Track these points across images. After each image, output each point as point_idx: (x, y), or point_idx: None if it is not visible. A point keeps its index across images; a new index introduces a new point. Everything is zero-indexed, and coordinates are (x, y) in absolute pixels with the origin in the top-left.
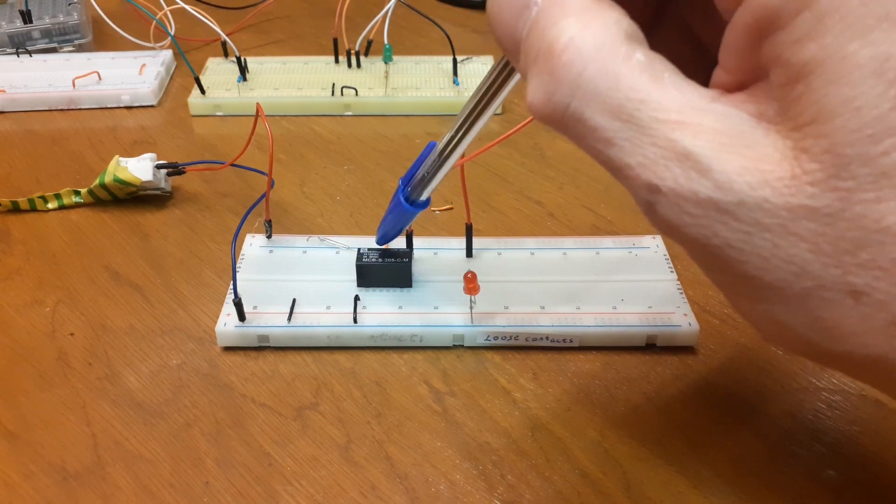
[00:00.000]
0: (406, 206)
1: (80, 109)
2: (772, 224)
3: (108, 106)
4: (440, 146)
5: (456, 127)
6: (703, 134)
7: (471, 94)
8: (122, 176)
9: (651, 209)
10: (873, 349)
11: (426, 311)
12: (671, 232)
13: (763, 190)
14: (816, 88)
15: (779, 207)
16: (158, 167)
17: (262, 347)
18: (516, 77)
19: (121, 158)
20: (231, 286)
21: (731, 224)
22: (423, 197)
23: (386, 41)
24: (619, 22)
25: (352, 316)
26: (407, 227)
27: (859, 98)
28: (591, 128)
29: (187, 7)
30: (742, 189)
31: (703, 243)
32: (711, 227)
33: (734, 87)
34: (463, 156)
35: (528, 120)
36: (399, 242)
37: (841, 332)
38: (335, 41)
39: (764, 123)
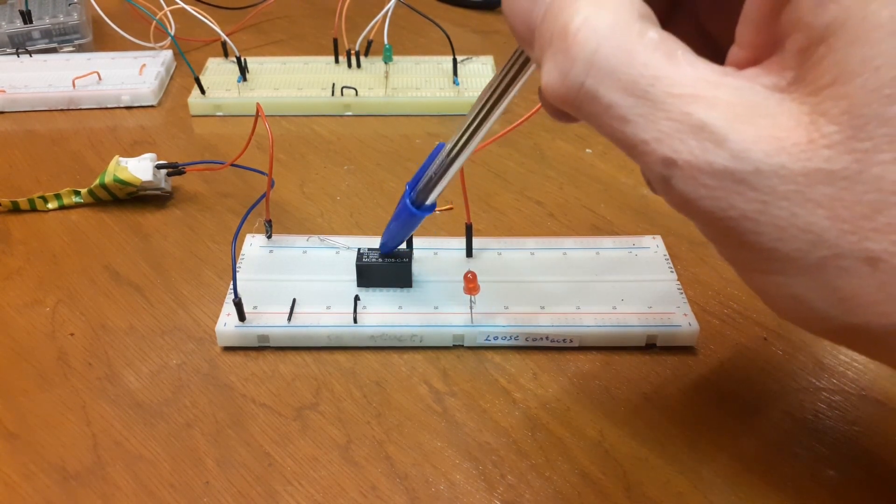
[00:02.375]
0: (412, 210)
1: (80, 109)
2: (788, 191)
3: (108, 106)
4: (449, 146)
5: (465, 126)
6: (718, 106)
7: (472, 93)
8: (122, 176)
9: (666, 184)
10: (890, 318)
11: (426, 311)
12: (687, 207)
13: (779, 157)
14: (837, 49)
15: (795, 173)
16: (158, 167)
17: (262, 347)
18: (527, 74)
19: (121, 158)
20: (231, 286)
21: (748, 194)
22: (430, 200)
23: (386, 41)
24: (632, 2)
25: (352, 316)
26: (411, 233)
27: (879, 57)
28: (606, 105)
29: (187, 7)
30: (758, 157)
31: (719, 216)
32: (727, 198)
33: (748, 64)
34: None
35: (526, 117)
36: None
37: (858, 302)
38: (335, 41)
39: (777, 94)
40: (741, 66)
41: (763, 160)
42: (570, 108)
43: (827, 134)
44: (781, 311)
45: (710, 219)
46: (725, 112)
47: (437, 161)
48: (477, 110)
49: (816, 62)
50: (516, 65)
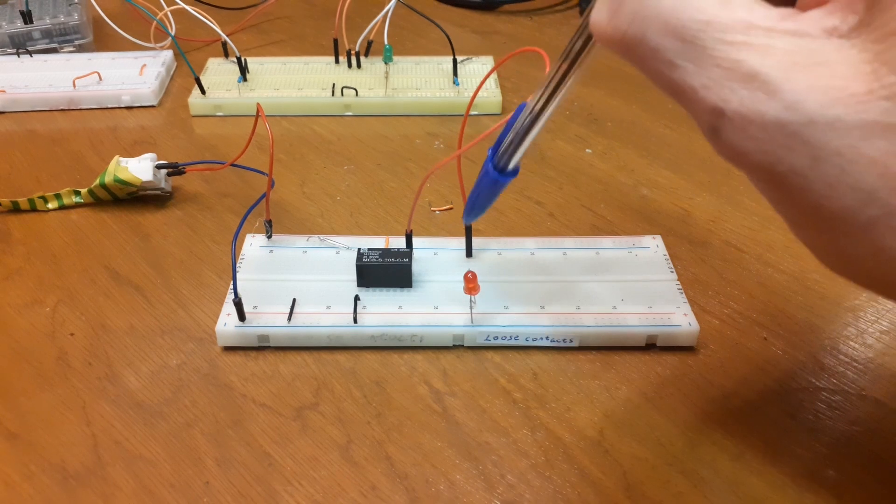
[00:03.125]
0: (495, 175)
1: (80, 109)
2: (842, 146)
3: (109, 106)
4: (531, 103)
5: (548, 80)
6: (772, 54)
7: (470, 93)
8: (122, 176)
9: (715, 135)
10: None
11: (426, 311)
12: (735, 159)
13: (835, 108)
14: None
15: (851, 126)
16: (158, 167)
17: (262, 347)
18: None
19: (121, 158)
20: (231, 286)
21: (799, 149)
22: (513, 164)
23: (386, 41)
24: None
25: (352, 316)
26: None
27: None
28: (653, 48)
29: (188, 7)
30: (813, 108)
31: (768, 170)
32: (777, 152)
33: (816, 6)
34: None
35: None
36: (399, 242)
37: None
38: (335, 41)
39: (835, 39)
40: (808, 8)
41: (818, 111)
42: (617, 49)
43: (888, 84)
44: (830, 266)
45: (758, 172)
46: (779, 61)
47: (520, 121)
48: (560, 62)
49: (886, 6)
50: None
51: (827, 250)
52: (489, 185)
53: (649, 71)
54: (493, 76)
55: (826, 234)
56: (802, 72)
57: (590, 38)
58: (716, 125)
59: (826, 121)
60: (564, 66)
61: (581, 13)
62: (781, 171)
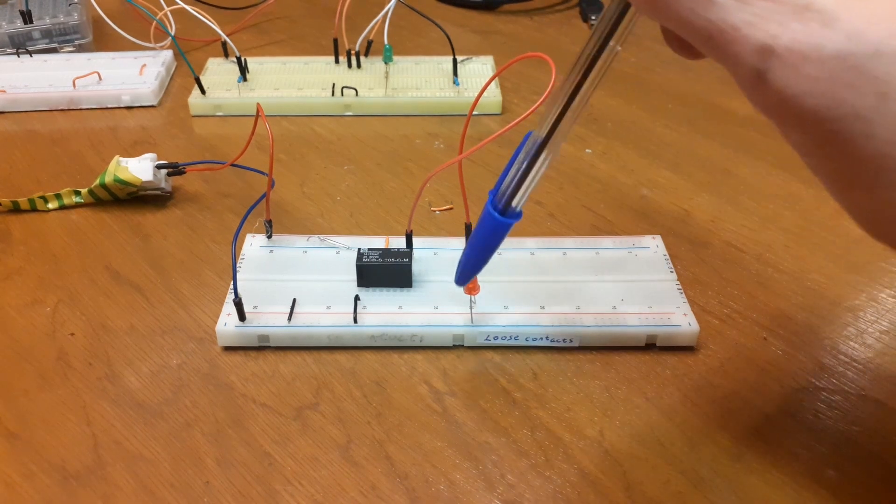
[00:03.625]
0: (497, 218)
1: (80, 109)
2: None
3: (109, 106)
4: (536, 132)
5: (559, 99)
6: None
7: (472, 93)
8: (122, 176)
9: (760, 81)
10: None
11: (426, 311)
12: (784, 108)
13: None
14: None
15: None
16: (159, 167)
17: (262, 347)
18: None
19: (121, 158)
20: (231, 286)
21: (862, 85)
22: (518, 202)
23: (386, 41)
24: None
25: (352, 316)
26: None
27: None
28: None
29: (187, 7)
30: (878, 37)
31: (825, 116)
32: (835, 92)
33: None
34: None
35: (524, 116)
36: (399, 242)
37: None
38: (335, 41)
39: None
40: None
41: (884, 41)
42: None
43: None
44: (877, 232)
45: (812, 120)
46: None
47: (524, 152)
48: (570, 73)
49: None
50: (616, 11)
51: (879, 213)
52: (490, 231)
53: (680, 14)
54: None
55: (882, 192)
56: (861, 0)
57: (605, 43)
58: (762, 68)
59: (893, 50)
60: (576, 83)
61: (581, 14)
62: (839, 115)
